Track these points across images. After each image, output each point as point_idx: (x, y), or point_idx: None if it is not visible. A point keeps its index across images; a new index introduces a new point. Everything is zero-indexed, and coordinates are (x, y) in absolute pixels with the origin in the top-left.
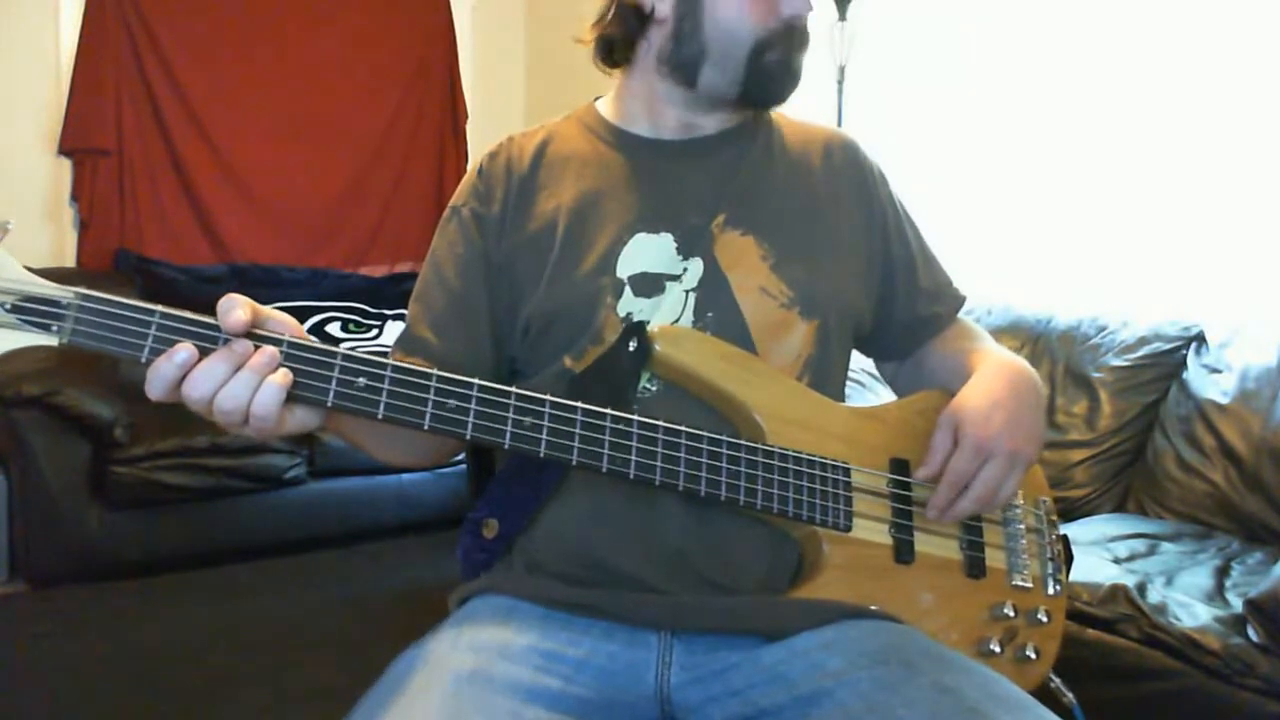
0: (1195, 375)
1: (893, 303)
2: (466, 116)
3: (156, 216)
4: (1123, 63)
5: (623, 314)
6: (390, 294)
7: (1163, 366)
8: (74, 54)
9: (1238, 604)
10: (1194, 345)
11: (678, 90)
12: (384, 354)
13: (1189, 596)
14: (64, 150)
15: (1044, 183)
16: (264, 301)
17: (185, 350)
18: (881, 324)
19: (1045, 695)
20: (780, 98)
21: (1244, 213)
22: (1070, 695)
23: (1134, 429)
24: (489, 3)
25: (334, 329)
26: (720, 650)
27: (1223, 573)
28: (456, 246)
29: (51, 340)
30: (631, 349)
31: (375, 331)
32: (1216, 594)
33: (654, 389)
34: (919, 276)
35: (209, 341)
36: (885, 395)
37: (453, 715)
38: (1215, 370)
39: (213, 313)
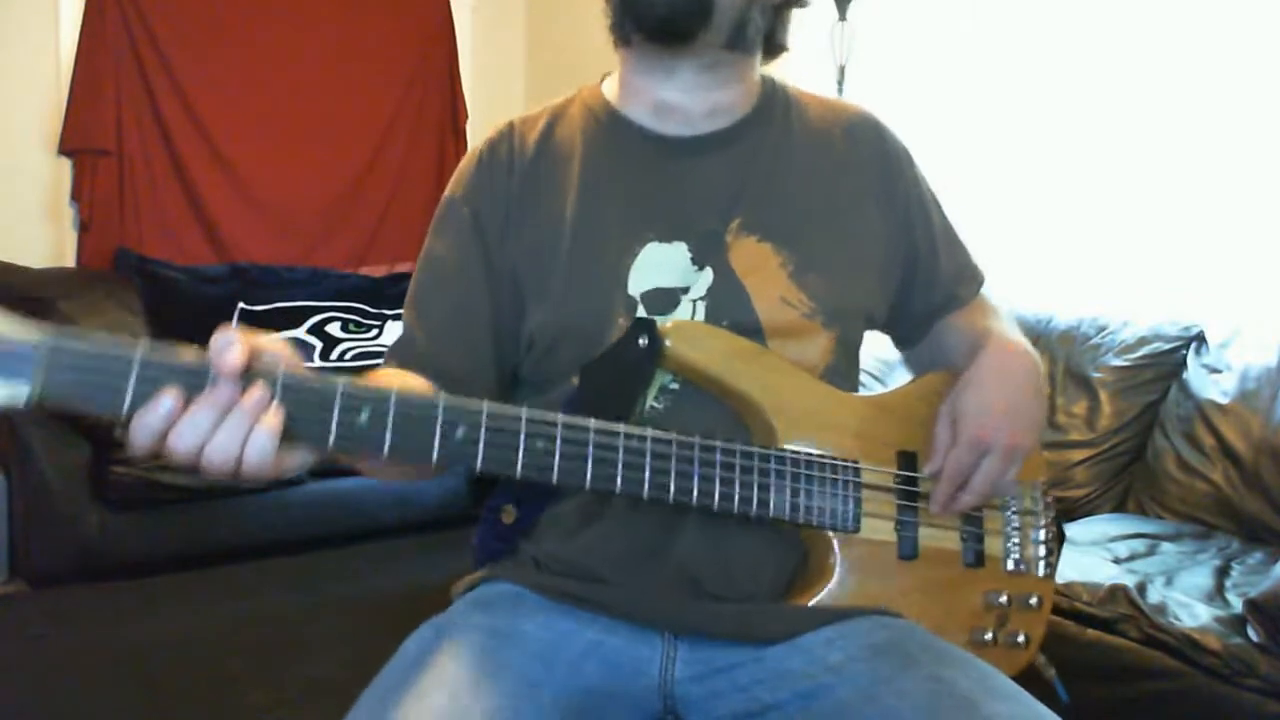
0: (1195, 375)
1: (911, 292)
2: (466, 116)
3: (156, 216)
4: (1123, 63)
5: None
6: (390, 294)
7: (1163, 366)
8: (74, 54)
9: (1238, 604)
10: (1194, 345)
11: (628, 56)
12: (384, 355)
13: (1189, 596)
14: (64, 150)
15: (1044, 183)
16: (264, 301)
17: (170, 398)
18: (898, 312)
19: (1029, 672)
20: (654, 9)
21: (1244, 213)
22: (1053, 670)
23: (1134, 429)
24: (489, 3)
25: (334, 329)
26: (724, 648)
27: (1223, 573)
28: (454, 249)
29: (17, 399)
30: (641, 345)
31: (375, 331)
32: (1216, 594)
33: (660, 407)
34: (940, 262)
35: (196, 382)
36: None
37: (470, 691)
38: (1215, 370)
39: (212, 312)
